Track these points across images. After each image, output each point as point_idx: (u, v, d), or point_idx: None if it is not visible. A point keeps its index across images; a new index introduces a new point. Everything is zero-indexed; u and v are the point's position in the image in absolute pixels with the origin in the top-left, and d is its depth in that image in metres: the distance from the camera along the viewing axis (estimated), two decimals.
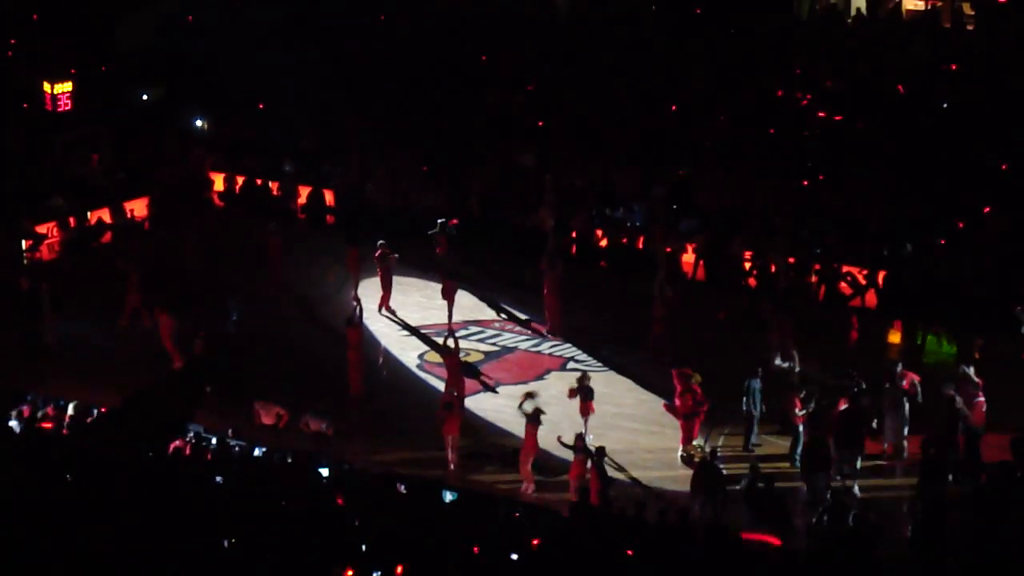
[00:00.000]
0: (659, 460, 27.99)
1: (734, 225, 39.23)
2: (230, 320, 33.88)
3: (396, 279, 36.04)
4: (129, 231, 40.89)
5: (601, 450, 25.53)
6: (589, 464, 25.60)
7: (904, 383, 27.65)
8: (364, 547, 18.97)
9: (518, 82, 47.55)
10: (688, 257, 38.58)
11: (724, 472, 25.77)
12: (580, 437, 26.26)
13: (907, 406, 27.58)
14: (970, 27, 45.41)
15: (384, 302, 35.53)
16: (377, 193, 43.00)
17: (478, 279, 37.39)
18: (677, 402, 28.17)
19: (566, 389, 29.07)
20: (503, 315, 35.79)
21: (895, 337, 34.51)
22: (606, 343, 33.88)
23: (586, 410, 28.16)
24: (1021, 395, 29.10)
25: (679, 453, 28.11)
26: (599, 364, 32.83)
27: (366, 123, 46.13)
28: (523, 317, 35.54)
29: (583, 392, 28.30)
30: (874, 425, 27.44)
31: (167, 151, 45.76)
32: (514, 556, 19.12)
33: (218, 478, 22.64)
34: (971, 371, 27.66)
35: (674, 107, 44.90)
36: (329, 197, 43.74)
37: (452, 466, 27.34)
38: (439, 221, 37.47)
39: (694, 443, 28.07)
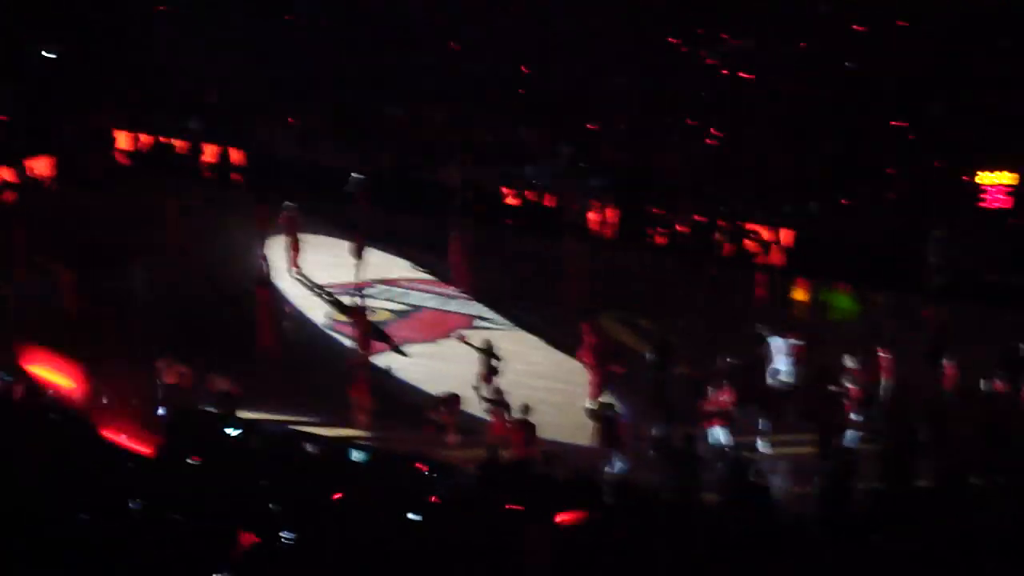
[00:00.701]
0: (568, 417, 28.08)
1: (642, 183, 39.41)
2: (138, 280, 33.54)
3: (305, 237, 35.84)
4: (32, 190, 40.31)
5: (526, 407, 25.60)
6: (508, 419, 25.70)
7: (792, 344, 27.97)
8: (271, 507, 18.88)
9: (428, 39, 47.33)
10: (596, 215, 38.70)
11: (631, 427, 25.92)
12: (499, 391, 26.28)
13: (792, 366, 27.91)
14: None
15: (293, 262, 35.31)
16: (286, 151, 42.69)
17: (386, 237, 37.27)
18: (587, 354, 28.33)
19: (473, 347, 29.05)
20: (411, 273, 35.78)
21: (800, 295, 34.81)
22: (514, 301, 33.94)
23: (487, 377, 28.13)
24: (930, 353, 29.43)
25: (587, 406, 28.27)
26: (507, 322, 32.91)
27: (275, 79, 45.79)
28: (432, 275, 35.55)
29: (487, 358, 28.20)
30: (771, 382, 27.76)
31: (72, 109, 45.11)
32: (416, 516, 19.09)
33: None
34: (873, 330, 27.90)
35: (580, 65, 44.95)
36: (237, 155, 43.37)
37: (364, 426, 27.28)
38: (353, 176, 37.32)
39: (601, 399, 28.23)
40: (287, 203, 35.26)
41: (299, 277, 35.08)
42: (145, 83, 46.71)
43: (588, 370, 28.40)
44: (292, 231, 35.31)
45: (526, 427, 25.34)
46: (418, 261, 36.41)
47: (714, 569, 18.22)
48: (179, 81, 46.60)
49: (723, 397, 25.97)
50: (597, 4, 46.23)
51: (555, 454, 24.28)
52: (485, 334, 30.90)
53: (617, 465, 24.71)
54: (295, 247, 35.38)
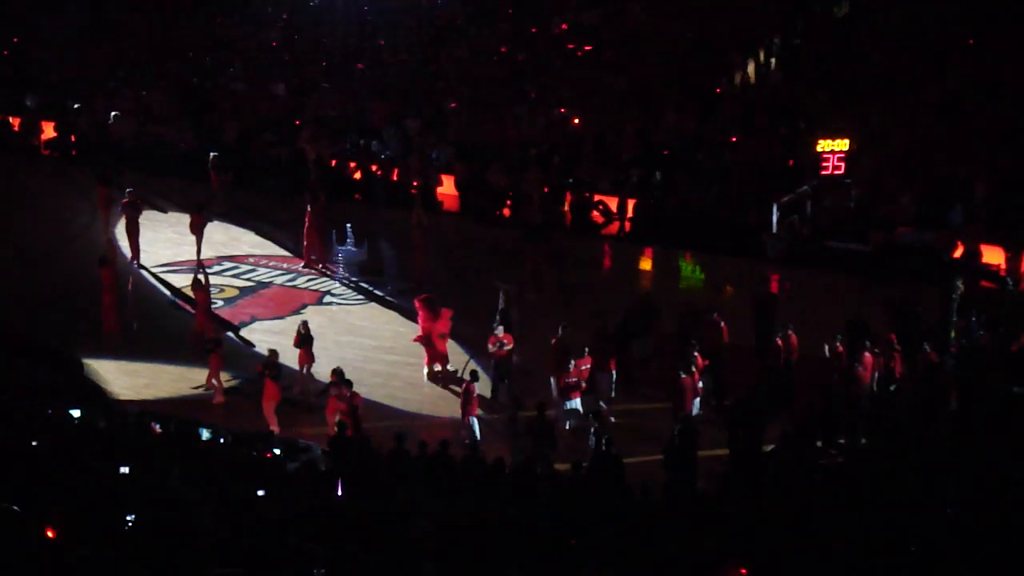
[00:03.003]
0: (418, 391, 28.08)
1: (489, 155, 39.50)
2: None
3: (147, 215, 35.33)
4: None
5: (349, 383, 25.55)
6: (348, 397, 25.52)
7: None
8: (118, 489, 18.66)
9: (268, 13, 47.09)
10: (443, 188, 38.70)
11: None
12: (336, 372, 26.07)
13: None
14: None
15: (135, 252, 34.41)
16: (123, 128, 42.00)
17: (231, 213, 36.89)
18: (421, 327, 28.40)
19: (321, 324, 28.85)
20: (258, 249, 35.47)
21: (646, 264, 35.17)
22: (363, 275, 33.83)
23: (305, 358, 27.79)
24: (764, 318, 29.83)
25: (424, 371, 28.40)
26: (357, 296, 32.78)
27: (111, 56, 45.11)
28: (278, 251, 35.29)
29: (304, 339, 27.98)
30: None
31: None
32: (261, 492, 19.02)
33: None
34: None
35: (425, 38, 44.97)
36: (74, 133, 42.62)
37: (217, 402, 26.94)
38: (212, 154, 36.85)
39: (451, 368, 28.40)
40: (128, 190, 34.53)
41: (139, 264, 34.26)
42: None
43: (424, 342, 28.47)
44: (130, 219, 34.47)
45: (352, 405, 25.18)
46: (266, 237, 36.13)
47: (565, 536, 18.40)
48: (15, 57, 45.69)
49: (583, 367, 26.13)
50: None
51: (405, 429, 24.32)
52: (332, 310, 30.82)
53: (473, 434, 24.75)
54: (134, 236, 34.35)
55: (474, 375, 25.76)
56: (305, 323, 28.06)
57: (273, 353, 26.61)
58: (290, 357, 27.48)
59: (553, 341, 26.68)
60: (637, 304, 29.23)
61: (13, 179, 39.54)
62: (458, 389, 27.13)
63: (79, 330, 29.22)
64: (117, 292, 30.45)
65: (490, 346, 27.34)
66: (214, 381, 27.19)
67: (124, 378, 28.20)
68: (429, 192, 37.42)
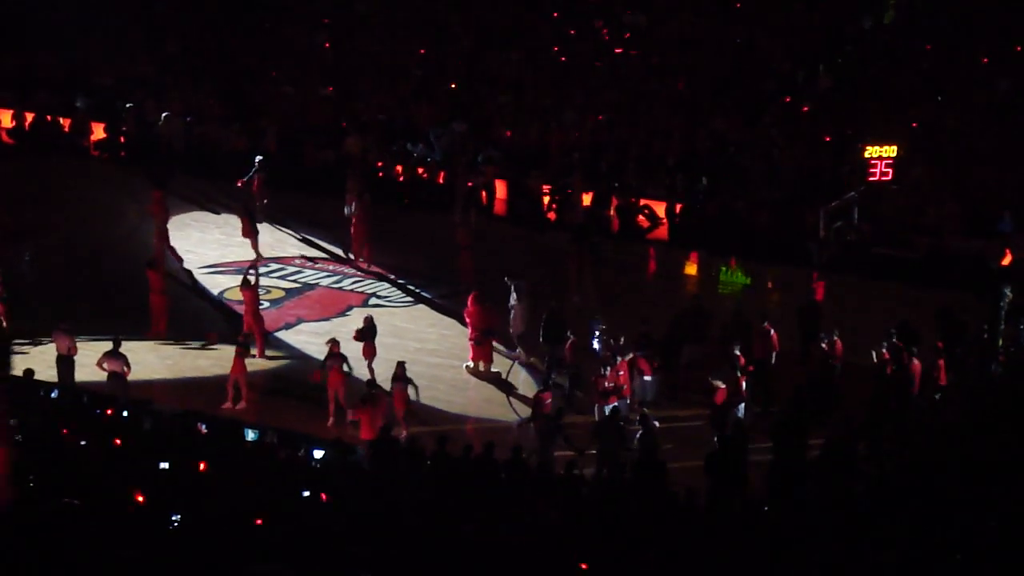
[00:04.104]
0: (461, 394, 28.12)
1: (534, 159, 39.48)
2: (24, 261, 33.04)
3: (196, 215, 35.46)
4: None
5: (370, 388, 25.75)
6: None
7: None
8: (166, 488, 18.79)
9: (315, 17, 47.22)
10: (488, 191, 38.66)
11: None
12: (400, 365, 26.15)
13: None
14: None
15: (176, 255, 34.60)
16: (172, 130, 42.13)
17: (279, 215, 37.04)
18: (472, 324, 28.50)
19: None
20: (305, 251, 35.63)
21: (691, 269, 35.10)
22: (408, 278, 33.87)
23: (369, 351, 28.02)
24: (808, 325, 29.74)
25: (466, 365, 28.56)
26: (403, 299, 32.85)
27: (161, 58, 45.35)
28: (325, 253, 35.42)
29: (367, 333, 28.14)
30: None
31: None
32: (306, 493, 19.12)
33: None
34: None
35: (470, 40, 44.99)
36: (124, 134, 42.84)
37: (244, 403, 26.99)
38: (257, 159, 37.01)
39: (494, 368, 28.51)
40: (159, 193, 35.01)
41: (190, 270, 34.43)
42: (29, 60, 46.01)
43: (477, 341, 28.57)
44: (163, 219, 34.61)
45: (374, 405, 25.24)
46: (312, 239, 36.28)
47: (610, 540, 18.40)
48: (65, 58, 45.94)
49: (619, 372, 26.10)
50: None
51: (449, 432, 24.34)
52: (378, 312, 30.89)
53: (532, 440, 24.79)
54: (164, 236, 34.50)
55: (547, 385, 25.92)
56: (369, 317, 28.24)
57: (335, 343, 26.76)
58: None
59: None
60: (688, 309, 29.19)
61: (63, 180, 39.77)
62: (498, 391, 27.32)
63: (125, 329, 29.27)
64: (164, 294, 30.63)
65: (568, 353, 27.43)
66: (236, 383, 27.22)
67: (168, 376, 28.39)
68: (474, 195, 37.38)
